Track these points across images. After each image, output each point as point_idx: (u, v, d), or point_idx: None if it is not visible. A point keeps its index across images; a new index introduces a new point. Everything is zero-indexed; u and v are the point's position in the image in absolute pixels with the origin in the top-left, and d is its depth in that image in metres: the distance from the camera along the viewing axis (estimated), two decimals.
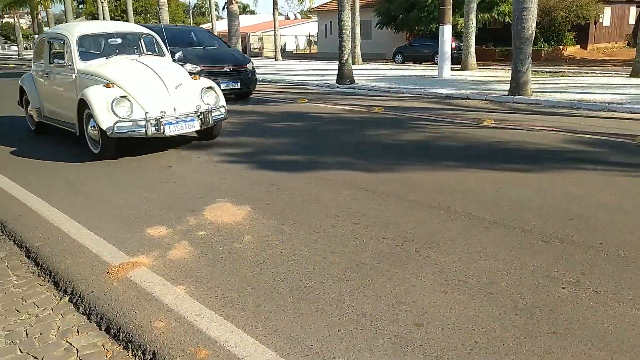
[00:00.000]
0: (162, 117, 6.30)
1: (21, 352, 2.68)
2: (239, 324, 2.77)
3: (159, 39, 7.95)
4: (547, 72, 18.63)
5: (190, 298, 3.07)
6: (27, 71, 8.79)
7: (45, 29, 48.95)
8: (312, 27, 49.05)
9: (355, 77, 15.77)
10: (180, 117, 6.48)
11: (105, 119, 6.11)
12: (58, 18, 55.79)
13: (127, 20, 42.48)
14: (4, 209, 4.76)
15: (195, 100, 6.73)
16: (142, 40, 7.96)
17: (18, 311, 3.07)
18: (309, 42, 50.57)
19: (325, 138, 7.70)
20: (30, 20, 46.79)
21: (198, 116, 6.61)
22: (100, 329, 2.86)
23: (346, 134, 8.09)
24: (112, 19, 37.71)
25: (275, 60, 30.92)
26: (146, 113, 6.28)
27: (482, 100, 11.83)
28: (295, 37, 52.51)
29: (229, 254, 3.66)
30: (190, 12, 74.06)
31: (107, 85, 6.31)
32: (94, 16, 46.10)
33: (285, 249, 3.71)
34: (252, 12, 76.44)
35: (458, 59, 20.33)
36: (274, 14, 32.05)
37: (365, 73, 19.41)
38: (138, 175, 5.80)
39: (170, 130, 6.37)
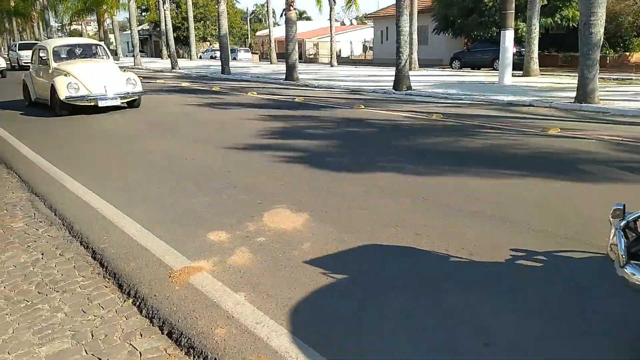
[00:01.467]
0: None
1: (86, 353, 2.73)
2: (299, 334, 2.73)
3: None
4: (613, 79, 17.80)
5: (251, 305, 3.05)
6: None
7: (111, 35, 51.33)
8: (367, 33, 48.92)
9: (412, 83, 15.57)
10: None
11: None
12: (122, 25, 58.08)
13: (187, 27, 43.79)
14: (73, 210, 4.92)
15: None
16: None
17: (84, 312, 3.13)
18: (364, 48, 50.49)
19: (383, 144, 7.60)
20: (96, 27, 48.91)
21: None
22: (163, 333, 2.88)
23: (404, 141, 7.96)
24: (173, 26, 38.92)
25: (331, 66, 30.98)
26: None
27: (547, 107, 11.40)
28: (351, 42, 52.54)
29: (289, 261, 3.63)
30: (248, 19, 75.48)
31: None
32: (156, 23, 47.69)
33: (346, 259, 3.64)
34: (308, 19, 77.11)
35: (519, 65, 19.73)
36: (330, 20, 32.14)
37: (422, 79, 19.13)
38: (199, 179, 5.88)
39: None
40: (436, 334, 2.70)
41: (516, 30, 22.74)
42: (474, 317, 2.83)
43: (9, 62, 31.51)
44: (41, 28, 55.73)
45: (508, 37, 15.51)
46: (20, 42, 38.99)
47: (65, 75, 11.24)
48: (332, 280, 3.33)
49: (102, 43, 13.81)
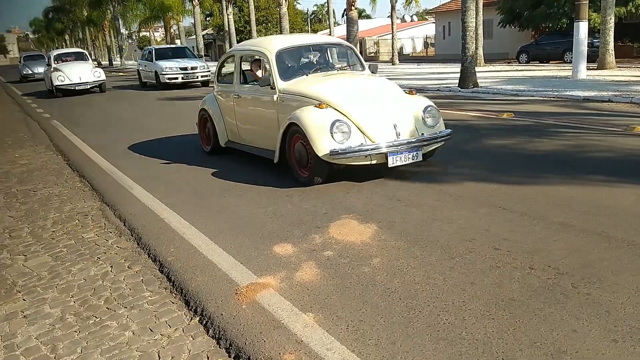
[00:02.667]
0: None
1: None
2: None
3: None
4: None
5: (320, 328, 2.88)
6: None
7: (177, 41, 52.84)
8: (428, 29, 47.93)
9: (478, 80, 15.00)
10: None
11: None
12: (188, 30, 59.78)
13: (250, 30, 44.41)
14: (140, 222, 4.94)
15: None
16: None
17: (151, 330, 3.07)
18: (426, 45, 49.50)
19: (453, 148, 7.24)
20: (163, 33, 50.58)
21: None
22: (230, 356, 2.77)
23: (475, 143, 7.58)
24: (236, 29, 39.62)
25: (392, 64, 30.50)
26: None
27: (628, 103, 10.61)
28: (412, 39, 51.69)
29: (358, 278, 3.44)
30: (308, 19, 75.86)
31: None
32: (220, 27, 48.74)
33: (419, 276, 3.41)
34: (368, 17, 76.53)
35: (591, 57, 18.60)
36: (391, 17, 31.65)
37: (489, 75, 18.43)
38: (262, 188, 5.79)
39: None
40: None
41: (588, 20, 21.56)
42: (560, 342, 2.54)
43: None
44: (112, 36, 58.32)
45: (582, 29, 14.64)
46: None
47: (321, 106, 5.55)
48: (405, 301, 3.11)
49: (349, 44, 7.71)
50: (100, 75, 20.00)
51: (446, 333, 2.75)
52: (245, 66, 7.41)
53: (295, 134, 5.63)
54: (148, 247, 4.32)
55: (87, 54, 22.96)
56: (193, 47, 47.30)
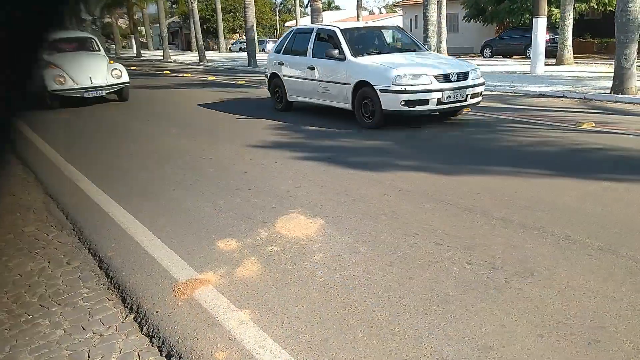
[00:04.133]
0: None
1: None
2: None
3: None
4: None
5: (255, 326, 2.86)
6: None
7: (141, 28, 51.85)
8: (397, 21, 48.23)
9: None
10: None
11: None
12: (154, 18, 58.67)
13: (216, 20, 43.69)
14: (84, 216, 4.82)
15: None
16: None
17: (84, 329, 3.00)
18: None
19: (405, 141, 7.31)
20: (128, 20, 49.44)
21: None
22: (161, 355, 2.72)
23: (428, 137, 7.65)
24: (201, 18, 38.96)
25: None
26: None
27: (580, 99, 10.88)
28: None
29: (298, 274, 3.43)
30: (277, 9, 75.23)
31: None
32: (186, 15, 47.90)
33: (358, 272, 3.42)
34: (337, 8, 76.44)
35: (552, 52, 19.01)
36: (357, 8, 31.64)
37: None
38: (214, 181, 5.73)
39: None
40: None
41: (550, 16, 21.98)
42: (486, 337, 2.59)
43: None
44: (74, 23, 56.70)
45: (540, 25, 14.91)
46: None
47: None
48: (343, 297, 3.11)
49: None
50: (121, 75, 12.36)
51: (379, 329, 2.77)
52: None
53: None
54: (89, 242, 4.22)
55: (95, 40, 13.63)
56: (158, 35, 46.41)
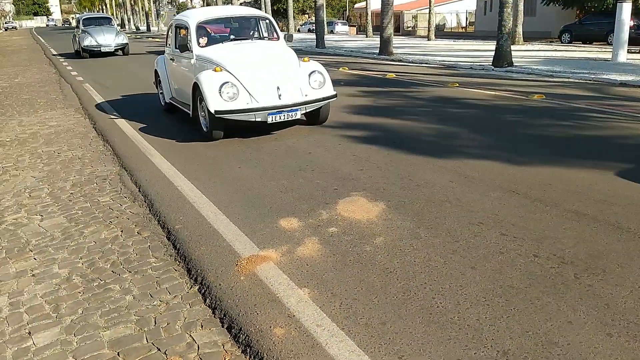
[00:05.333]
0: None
1: (147, 341, 2.72)
2: (361, 343, 2.54)
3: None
4: None
5: (313, 304, 2.90)
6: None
7: (218, 4, 52.68)
8: (471, 3, 46.63)
9: (514, 59, 14.56)
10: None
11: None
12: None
13: (286, 0, 43.83)
14: (155, 189, 5.02)
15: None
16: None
17: (151, 296, 3.14)
18: (465, 20, 48.24)
19: (474, 128, 7.09)
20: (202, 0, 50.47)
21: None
22: (223, 327, 2.81)
23: (498, 124, 7.40)
24: (225, 2, 39.33)
25: (428, 39, 29.85)
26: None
27: None
28: (457, 14, 50.31)
29: (358, 256, 3.44)
30: None
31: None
32: (207, 2, 48.34)
33: (419, 258, 3.38)
34: None
35: (637, 40, 17.83)
36: None
37: (526, 54, 17.87)
38: (278, 160, 5.80)
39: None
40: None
41: (636, 1, 20.58)
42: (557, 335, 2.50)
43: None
44: (151, 1, 58.50)
45: (625, 10, 13.97)
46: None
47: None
48: (402, 282, 3.09)
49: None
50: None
51: (438, 317, 2.74)
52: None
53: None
54: (159, 214, 4.40)
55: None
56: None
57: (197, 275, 3.35)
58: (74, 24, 37.73)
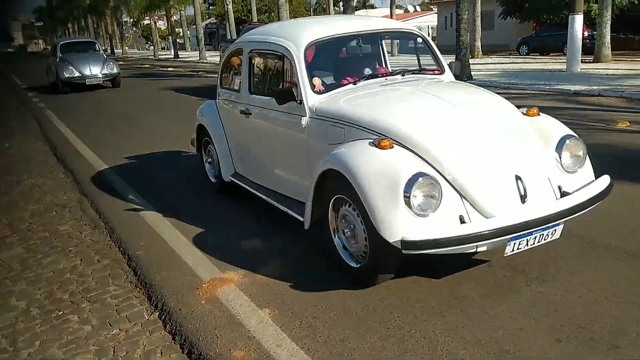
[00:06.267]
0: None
1: None
2: None
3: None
4: None
5: (274, 325, 2.93)
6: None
7: (179, 30, 52.87)
8: (432, 19, 47.71)
9: (474, 73, 14.95)
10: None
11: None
12: (191, 19, 59.79)
13: (251, 19, 43.96)
14: (115, 215, 4.98)
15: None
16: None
17: (110, 325, 3.12)
18: (428, 35, 49.30)
19: None
20: (166, 22, 50.45)
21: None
22: (183, 352, 2.81)
23: None
24: (237, 19, 39.30)
25: (391, 55, 30.42)
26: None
27: (617, 97, 10.57)
28: (420, 29, 51.38)
29: (320, 275, 3.47)
30: (312, 9, 75.54)
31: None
32: (222, 17, 48.53)
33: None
34: (372, 7, 76.10)
35: (591, 50, 18.50)
36: (390, 6, 31.54)
37: (486, 67, 18.35)
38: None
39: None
40: None
41: (589, 12, 21.39)
42: None
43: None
44: (115, 25, 58.20)
45: (577, 22, 14.54)
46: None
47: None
48: (362, 298, 3.14)
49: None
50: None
51: (395, 330, 2.79)
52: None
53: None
54: (120, 240, 4.37)
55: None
56: (195, 36, 47.23)
57: (158, 301, 3.34)
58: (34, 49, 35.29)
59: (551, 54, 24.69)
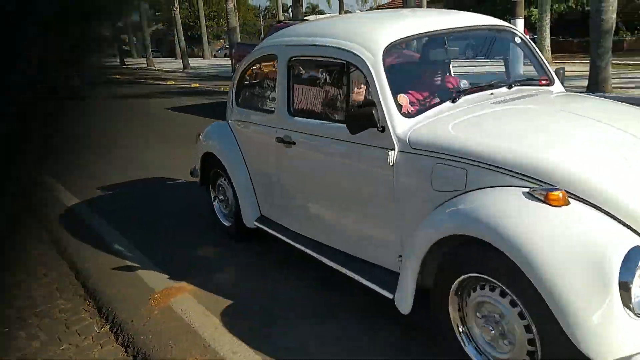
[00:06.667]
0: None
1: None
2: None
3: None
4: (630, 64, 17.27)
5: (229, 332, 2.91)
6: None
7: (124, 36, 51.40)
8: None
9: None
10: None
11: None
12: (137, 25, 58.62)
13: (199, 26, 43.47)
14: (64, 228, 4.84)
15: None
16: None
17: (60, 340, 3.03)
18: None
19: None
20: None
21: None
22: None
23: None
24: (185, 25, 38.72)
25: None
26: None
27: None
28: None
29: (275, 281, 3.48)
30: (261, 15, 75.42)
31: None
32: (170, 23, 47.82)
33: (310, 280, 3.47)
34: (322, 12, 76.68)
35: None
36: (339, 12, 31.89)
37: None
38: (191, 189, 5.75)
39: None
40: None
41: (530, 17, 22.26)
42: None
43: None
44: None
45: (518, 26, 15.03)
46: None
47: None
48: (317, 297, 3.17)
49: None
50: None
51: (359, 333, 2.83)
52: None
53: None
54: (67, 253, 4.24)
55: (531, 45, 6.49)
56: (142, 43, 46.37)
57: (109, 313, 3.26)
58: None
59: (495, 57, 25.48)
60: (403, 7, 14.38)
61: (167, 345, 2.85)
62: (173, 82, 21.39)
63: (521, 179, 2.13)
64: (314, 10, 77.99)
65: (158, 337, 2.93)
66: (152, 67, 32.78)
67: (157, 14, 62.25)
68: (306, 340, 2.77)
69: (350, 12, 49.41)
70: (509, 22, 14.67)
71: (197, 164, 4.46)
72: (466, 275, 2.20)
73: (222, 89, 17.66)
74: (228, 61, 32.60)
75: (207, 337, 2.88)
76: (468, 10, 14.00)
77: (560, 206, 1.95)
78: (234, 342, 2.80)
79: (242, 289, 3.39)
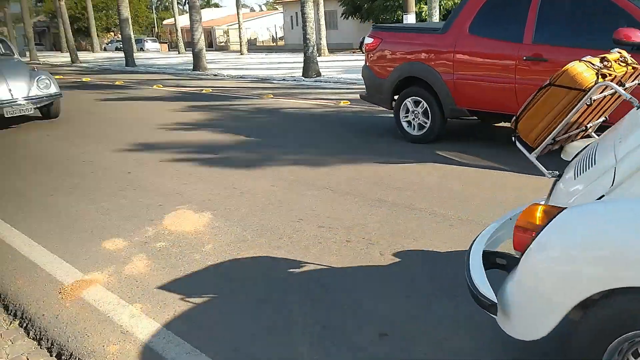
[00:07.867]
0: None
1: None
2: (198, 345, 2.66)
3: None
4: None
5: (147, 317, 2.94)
6: None
7: (3, 28, 47.49)
8: (278, 18, 48.66)
9: (321, 70, 15.65)
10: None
11: None
12: (18, 17, 54.35)
13: (87, 18, 41.06)
14: None
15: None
16: None
17: None
18: (275, 35, 50.21)
19: (289, 136, 7.59)
20: None
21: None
22: (52, 355, 2.71)
23: (312, 130, 7.99)
24: (71, 16, 36.49)
25: (241, 54, 30.53)
26: None
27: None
28: (268, 29, 52.03)
29: (188, 266, 3.53)
30: (154, 7, 72.60)
31: None
32: (53, 14, 44.76)
33: (247, 258, 3.60)
34: (217, 5, 75.41)
35: None
36: (237, 6, 31.62)
37: (332, 65, 19.29)
38: (95, 183, 5.59)
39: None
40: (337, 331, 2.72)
41: (420, 13, 23.45)
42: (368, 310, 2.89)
43: None
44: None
45: (410, 21, 15.89)
46: None
47: None
48: (231, 283, 3.27)
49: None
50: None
51: (265, 307, 2.97)
52: None
53: None
54: None
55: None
56: (23, 35, 43.05)
57: (16, 310, 3.15)
58: None
59: None
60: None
61: (84, 335, 2.82)
62: (61, 77, 20.15)
63: None
64: (209, 2, 76.48)
65: (73, 329, 2.89)
66: (36, 61, 30.61)
67: (39, 4, 58.05)
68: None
69: (247, 5, 48.97)
70: (402, 18, 15.49)
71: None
72: None
73: (116, 82, 16.95)
74: (120, 54, 31.18)
75: (124, 324, 2.89)
76: (362, 5, 14.98)
77: None
78: (153, 326, 2.84)
79: (156, 275, 3.41)
